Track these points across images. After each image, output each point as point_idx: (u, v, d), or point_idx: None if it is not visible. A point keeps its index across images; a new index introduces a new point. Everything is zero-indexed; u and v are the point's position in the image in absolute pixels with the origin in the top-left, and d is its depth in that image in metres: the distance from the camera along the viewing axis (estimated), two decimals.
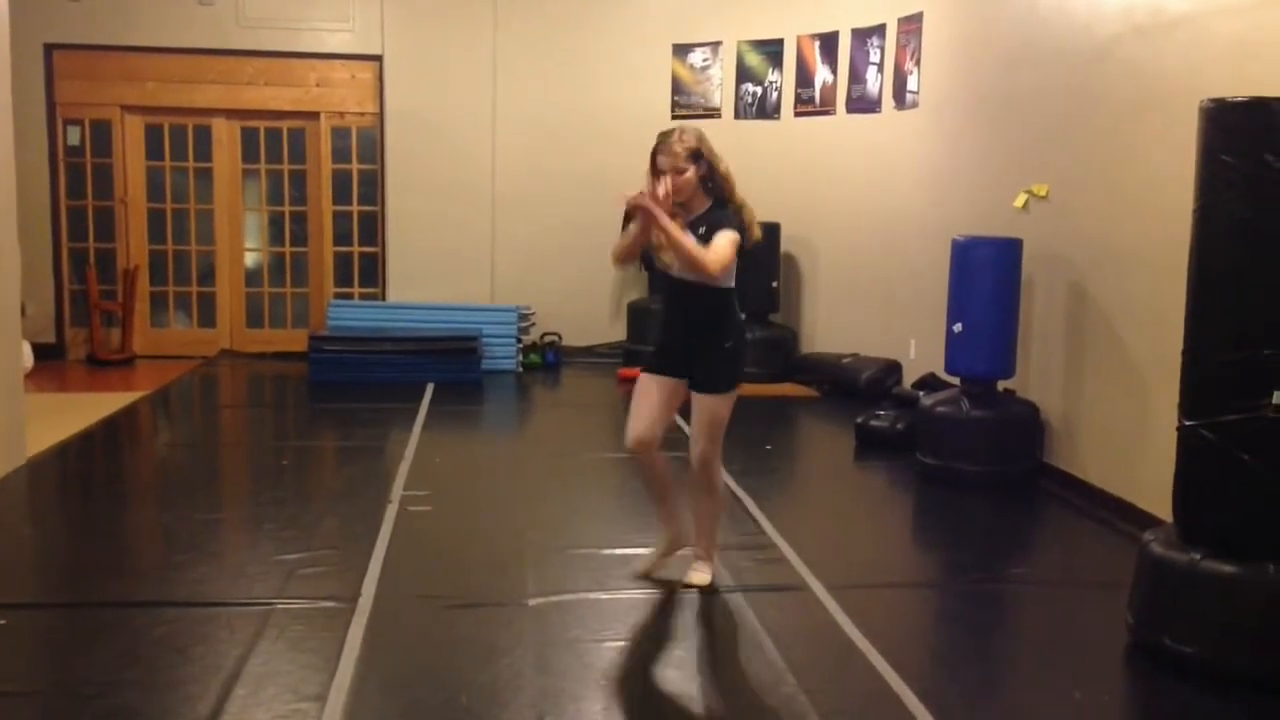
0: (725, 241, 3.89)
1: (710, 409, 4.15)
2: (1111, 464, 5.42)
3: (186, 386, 8.49)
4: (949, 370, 6.13)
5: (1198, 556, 3.55)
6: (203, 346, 9.65)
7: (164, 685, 3.40)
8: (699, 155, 3.95)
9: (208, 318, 9.81)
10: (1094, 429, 5.60)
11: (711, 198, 4.02)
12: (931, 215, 7.28)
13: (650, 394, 4.16)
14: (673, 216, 3.90)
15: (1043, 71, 6.03)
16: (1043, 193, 6.00)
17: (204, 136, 9.60)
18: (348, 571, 4.36)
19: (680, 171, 3.92)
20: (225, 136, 9.61)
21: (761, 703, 3.36)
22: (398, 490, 5.52)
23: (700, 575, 4.27)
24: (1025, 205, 6.14)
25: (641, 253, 4.19)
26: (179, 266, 9.73)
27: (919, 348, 7.49)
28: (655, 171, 3.96)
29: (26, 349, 6.89)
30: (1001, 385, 6.03)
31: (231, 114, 9.54)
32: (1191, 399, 3.62)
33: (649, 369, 4.20)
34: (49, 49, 9.15)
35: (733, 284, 4.06)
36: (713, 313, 4.07)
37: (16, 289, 5.98)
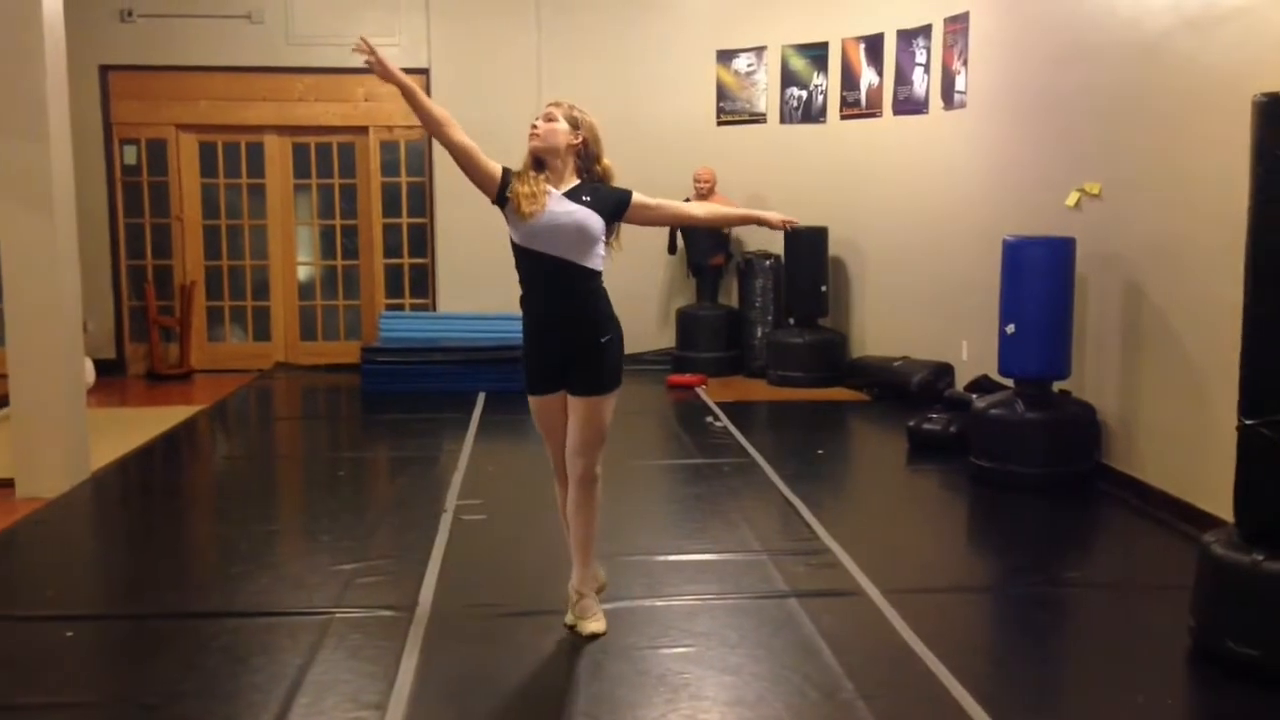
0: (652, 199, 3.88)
1: (597, 414, 3.78)
2: (1170, 464, 5.34)
3: (243, 399, 8.61)
4: (1002, 372, 6.07)
5: (1260, 557, 3.49)
6: (258, 360, 9.79)
7: (227, 695, 3.45)
8: (576, 124, 3.79)
9: (262, 331, 9.95)
10: (1152, 429, 5.53)
11: (583, 178, 3.81)
12: (982, 215, 7.22)
13: (555, 424, 3.88)
14: (543, 166, 3.77)
15: (1092, 68, 5.96)
16: (1095, 191, 5.94)
17: (256, 153, 9.74)
18: (404, 581, 4.40)
19: (549, 119, 3.78)
20: (277, 152, 9.75)
21: (819, 709, 3.35)
22: (452, 499, 5.57)
23: (597, 621, 3.85)
24: (1077, 204, 6.08)
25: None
26: (234, 281, 9.89)
27: (971, 350, 7.43)
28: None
29: (88, 365, 7.02)
30: (1057, 386, 5.97)
31: (283, 130, 9.68)
32: (1250, 397, 3.57)
33: (534, 390, 3.87)
34: (104, 70, 9.34)
35: (602, 268, 3.80)
36: (591, 299, 3.77)
37: (78, 307, 6.10)
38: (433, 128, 3.81)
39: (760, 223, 4.14)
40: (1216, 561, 3.62)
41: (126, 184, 9.58)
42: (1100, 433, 5.88)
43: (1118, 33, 5.72)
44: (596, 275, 3.78)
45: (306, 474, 6.69)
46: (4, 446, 6.03)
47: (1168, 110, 5.31)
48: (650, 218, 3.97)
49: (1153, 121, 5.43)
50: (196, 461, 7.07)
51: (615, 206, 3.81)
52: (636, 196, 3.86)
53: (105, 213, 9.43)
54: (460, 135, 3.77)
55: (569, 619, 3.91)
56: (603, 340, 3.78)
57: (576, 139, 3.80)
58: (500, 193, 3.78)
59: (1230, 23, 4.84)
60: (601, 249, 3.79)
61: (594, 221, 3.72)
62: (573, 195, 3.76)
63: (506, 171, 3.80)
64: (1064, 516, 5.43)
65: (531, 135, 3.79)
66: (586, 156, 3.81)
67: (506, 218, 3.80)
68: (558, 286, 3.75)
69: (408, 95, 3.79)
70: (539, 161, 3.79)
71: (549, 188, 3.75)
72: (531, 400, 3.90)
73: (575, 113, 3.83)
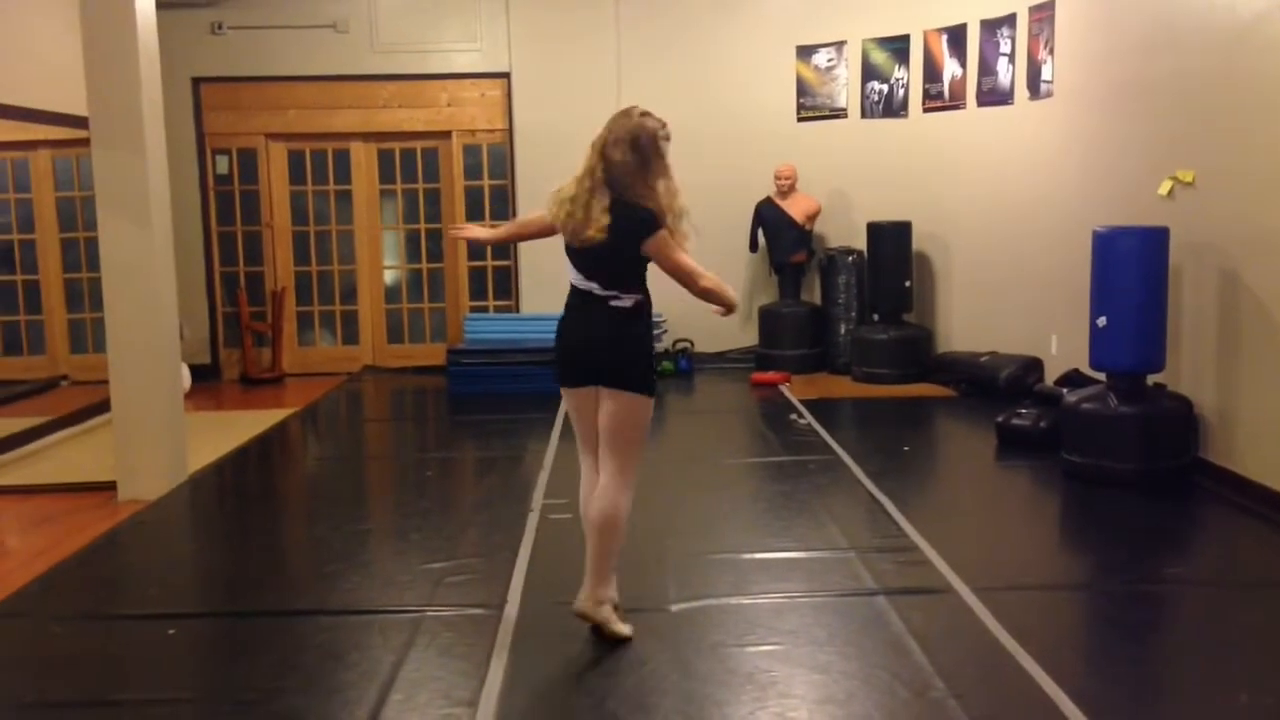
0: None
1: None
2: (1273, 457, 5.19)
3: (333, 402, 8.77)
4: (1094, 365, 5.95)
5: None
6: (347, 363, 9.97)
7: (324, 691, 3.52)
8: None
9: (351, 335, 10.13)
10: (1253, 422, 5.37)
11: None
12: (1070, 206, 7.09)
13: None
14: None
15: (1184, 53, 5.82)
16: (1189, 179, 5.79)
17: (343, 160, 9.93)
18: (493, 579, 4.46)
19: None
20: (363, 159, 9.93)
21: (911, 707, 3.32)
22: (538, 499, 5.62)
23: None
24: (1170, 192, 5.93)
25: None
26: (323, 286, 10.08)
27: (1060, 343, 7.30)
28: (661, 155, 3.85)
29: (185, 371, 7.21)
30: (1151, 379, 5.84)
31: (368, 137, 9.85)
32: None
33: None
34: (196, 82, 9.58)
35: None
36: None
37: (174, 314, 6.27)
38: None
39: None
40: None
41: (219, 193, 9.82)
42: (1198, 427, 5.73)
43: (1210, 16, 5.58)
44: None
45: (396, 474, 6.80)
46: (106, 450, 6.23)
47: (1263, 94, 5.16)
48: None
49: (1248, 106, 5.29)
50: (289, 463, 7.23)
51: None
52: None
53: (199, 221, 9.68)
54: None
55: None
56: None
57: None
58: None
59: None
60: None
61: None
62: None
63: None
64: (1160, 512, 5.31)
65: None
66: None
67: None
68: None
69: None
70: None
71: None
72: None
73: None
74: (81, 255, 8.99)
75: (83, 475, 6.29)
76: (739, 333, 9.65)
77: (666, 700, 3.40)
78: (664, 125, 3.87)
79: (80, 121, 6.15)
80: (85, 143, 6.04)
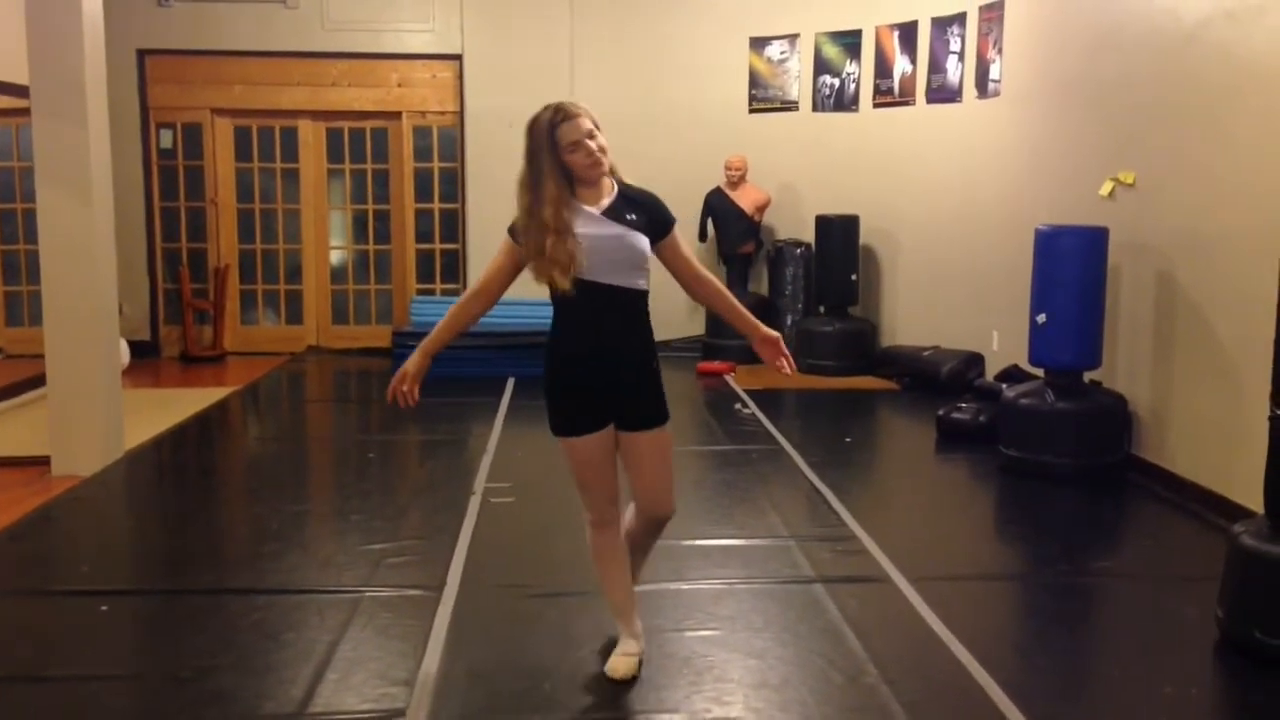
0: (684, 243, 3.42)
1: (668, 445, 3.54)
2: (1202, 455, 5.31)
3: (275, 382, 8.69)
4: (1033, 362, 6.05)
5: None
6: (290, 343, 9.88)
7: (259, 670, 3.50)
8: (597, 124, 3.30)
9: (295, 315, 10.03)
10: (1184, 420, 5.49)
11: (614, 179, 3.38)
12: (1014, 205, 7.18)
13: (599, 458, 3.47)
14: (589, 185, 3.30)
15: (1129, 57, 5.92)
16: (1130, 180, 5.89)
17: (290, 138, 9.82)
18: (433, 561, 4.45)
19: (594, 134, 3.25)
20: (311, 137, 9.82)
21: (844, 692, 3.36)
22: (480, 482, 5.61)
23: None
24: (1111, 193, 6.03)
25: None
26: (267, 265, 9.97)
27: (1002, 340, 7.40)
28: (560, 149, 3.24)
29: (123, 347, 7.10)
30: (1087, 376, 5.94)
31: (317, 115, 9.75)
32: None
33: (579, 429, 3.39)
34: (141, 54, 9.43)
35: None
36: (637, 321, 3.37)
37: (113, 289, 6.17)
38: (480, 305, 3.57)
39: (754, 335, 3.48)
40: (1246, 552, 3.60)
41: (162, 168, 9.67)
42: (1131, 423, 5.85)
43: (1155, 21, 5.67)
44: (646, 296, 3.35)
45: (337, 456, 6.75)
46: (41, 425, 6.12)
47: (1204, 100, 5.26)
48: (671, 260, 3.39)
49: (1188, 111, 5.39)
50: (229, 442, 7.15)
51: (660, 228, 3.35)
52: (676, 231, 3.40)
53: (141, 196, 9.53)
54: (485, 286, 3.57)
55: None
56: (654, 365, 3.42)
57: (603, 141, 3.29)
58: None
59: (1270, 14, 4.79)
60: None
61: (642, 243, 3.29)
62: (617, 213, 3.30)
63: (511, 231, 3.44)
64: (1093, 507, 5.41)
65: (594, 165, 3.26)
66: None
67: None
68: (608, 314, 3.29)
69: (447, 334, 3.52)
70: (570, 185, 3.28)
71: (585, 208, 3.29)
72: (576, 441, 3.41)
73: (589, 109, 3.31)
74: (19, 227, 8.83)
75: (16, 449, 6.19)
76: (686, 322, 9.68)
77: (603, 683, 3.41)
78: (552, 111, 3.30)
79: (20, 90, 6.03)
80: (25, 112, 5.92)
